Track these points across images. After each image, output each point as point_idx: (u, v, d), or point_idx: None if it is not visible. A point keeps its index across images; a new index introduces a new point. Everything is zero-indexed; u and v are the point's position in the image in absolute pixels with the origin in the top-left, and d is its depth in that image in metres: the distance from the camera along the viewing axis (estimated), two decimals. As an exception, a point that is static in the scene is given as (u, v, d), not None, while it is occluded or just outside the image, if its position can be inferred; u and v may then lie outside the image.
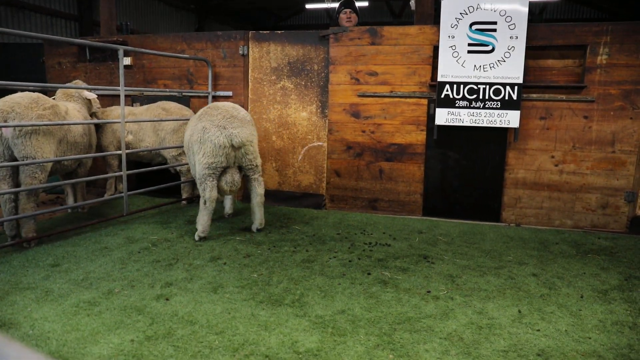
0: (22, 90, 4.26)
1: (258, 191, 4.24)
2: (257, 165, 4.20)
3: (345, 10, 5.51)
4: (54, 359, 2.18)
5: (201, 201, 4.05)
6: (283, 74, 5.43)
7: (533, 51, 4.65)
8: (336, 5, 6.08)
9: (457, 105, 4.70)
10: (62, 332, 2.45)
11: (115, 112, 5.25)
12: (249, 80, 5.55)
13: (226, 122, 3.98)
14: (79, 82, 4.90)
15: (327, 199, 5.36)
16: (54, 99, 4.72)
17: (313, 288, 3.08)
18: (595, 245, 4.18)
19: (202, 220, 4.04)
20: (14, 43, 8.60)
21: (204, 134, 3.96)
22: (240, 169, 4.21)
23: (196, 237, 4.04)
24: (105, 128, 5.22)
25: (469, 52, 4.62)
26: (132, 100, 5.83)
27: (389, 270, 3.43)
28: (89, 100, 4.86)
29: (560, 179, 4.74)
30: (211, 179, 4.00)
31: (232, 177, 4.09)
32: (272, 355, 2.27)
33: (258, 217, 4.31)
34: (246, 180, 4.29)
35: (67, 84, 4.82)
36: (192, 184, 5.45)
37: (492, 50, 4.57)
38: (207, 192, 4.01)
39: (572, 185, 4.72)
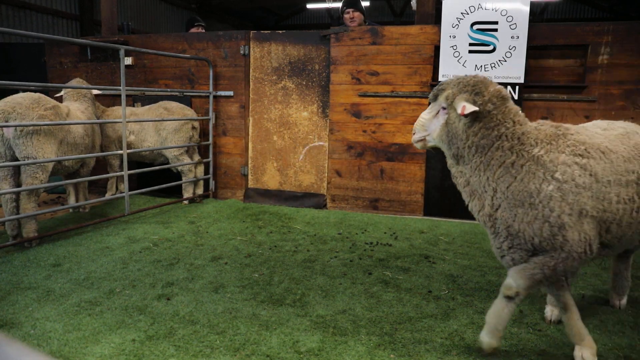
0: (24, 91, 4.27)
1: None
2: None
3: (348, 10, 5.48)
4: (55, 359, 2.18)
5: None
6: (284, 74, 5.43)
7: (534, 51, 4.64)
8: (337, 5, 6.08)
9: (458, 105, 4.69)
10: (63, 332, 2.45)
11: (117, 112, 5.25)
12: (250, 80, 5.55)
13: None
14: (80, 81, 4.85)
15: (328, 199, 5.36)
16: (60, 96, 4.70)
17: (314, 288, 3.08)
18: (597, 245, 4.16)
19: None
20: (15, 43, 8.61)
21: None
22: None
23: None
24: (106, 128, 5.22)
25: (470, 51, 4.62)
26: (133, 100, 5.83)
27: (390, 270, 3.43)
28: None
29: (562, 178, 4.73)
30: None
31: None
32: (273, 355, 2.27)
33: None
34: None
35: (67, 84, 4.81)
36: (194, 183, 5.45)
37: (493, 50, 4.57)
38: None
39: (574, 185, 4.70)
